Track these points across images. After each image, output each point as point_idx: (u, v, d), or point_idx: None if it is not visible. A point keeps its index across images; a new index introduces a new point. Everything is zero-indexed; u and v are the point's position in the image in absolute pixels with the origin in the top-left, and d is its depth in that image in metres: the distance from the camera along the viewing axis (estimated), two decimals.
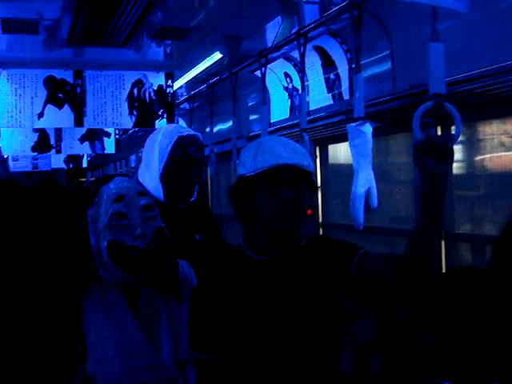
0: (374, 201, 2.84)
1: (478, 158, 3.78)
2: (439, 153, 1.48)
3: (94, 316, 1.67)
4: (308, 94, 4.83)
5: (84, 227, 1.67)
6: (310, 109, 4.74)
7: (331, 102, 4.84)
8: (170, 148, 2.49)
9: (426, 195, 1.56)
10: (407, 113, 3.78)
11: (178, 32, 5.16)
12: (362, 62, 3.22)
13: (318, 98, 4.90)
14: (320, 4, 4.33)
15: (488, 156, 3.77)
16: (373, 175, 2.85)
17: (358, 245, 1.80)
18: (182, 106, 7.50)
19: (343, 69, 4.67)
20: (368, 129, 2.82)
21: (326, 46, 4.71)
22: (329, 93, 4.89)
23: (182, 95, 7.39)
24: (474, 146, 3.75)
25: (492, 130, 3.67)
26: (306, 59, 4.15)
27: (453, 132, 2.27)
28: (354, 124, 2.86)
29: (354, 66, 4.40)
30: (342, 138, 4.21)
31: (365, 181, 2.78)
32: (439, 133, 3.65)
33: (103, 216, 1.65)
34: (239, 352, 1.64)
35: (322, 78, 4.93)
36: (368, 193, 2.81)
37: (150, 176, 2.51)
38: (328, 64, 4.81)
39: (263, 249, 1.73)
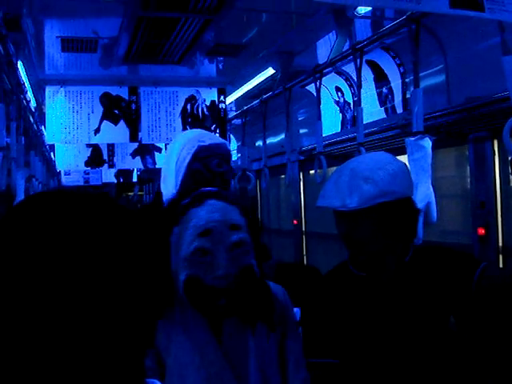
0: (434, 215, 2.84)
1: None
2: None
3: (173, 336, 1.54)
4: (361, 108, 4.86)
5: (167, 247, 1.54)
6: (364, 122, 4.77)
7: (384, 115, 4.85)
8: (187, 161, 2.13)
9: None
10: (463, 126, 3.79)
11: (231, 49, 5.24)
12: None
13: (371, 111, 4.92)
14: (373, 18, 4.37)
15: None
16: (432, 190, 2.85)
17: None
18: (233, 122, 7.60)
19: (396, 83, 4.68)
20: (427, 143, 2.83)
21: (379, 60, 4.74)
22: (381, 107, 4.91)
23: (233, 110, 7.49)
24: None
25: None
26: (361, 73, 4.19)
27: None
28: (412, 138, 2.87)
29: (407, 80, 4.43)
30: (396, 151, 4.22)
31: (424, 195, 2.78)
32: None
33: (186, 245, 1.50)
34: (351, 356, 1.72)
35: (374, 91, 4.95)
36: (427, 207, 2.81)
37: (166, 191, 2.17)
38: (381, 78, 4.84)
39: (364, 265, 1.80)
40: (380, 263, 1.77)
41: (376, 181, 1.72)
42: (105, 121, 6.16)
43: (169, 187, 2.14)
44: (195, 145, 2.14)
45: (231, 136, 8.15)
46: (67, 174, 11.39)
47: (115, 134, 6.20)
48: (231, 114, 7.34)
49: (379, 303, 1.73)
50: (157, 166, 9.78)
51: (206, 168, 2.13)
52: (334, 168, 6.08)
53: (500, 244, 3.91)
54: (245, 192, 7.69)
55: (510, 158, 1.51)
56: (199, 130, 2.31)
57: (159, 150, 9.52)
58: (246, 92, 6.57)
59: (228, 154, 2.23)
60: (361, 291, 1.78)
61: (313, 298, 1.87)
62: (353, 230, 1.75)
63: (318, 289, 1.84)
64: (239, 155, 8.15)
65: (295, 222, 7.12)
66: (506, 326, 1.71)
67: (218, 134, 6.35)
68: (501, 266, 3.92)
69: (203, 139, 2.17)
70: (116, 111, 6.17)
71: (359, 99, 3.90)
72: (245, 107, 6.54)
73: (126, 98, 6.20)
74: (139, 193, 18.08)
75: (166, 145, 9.31)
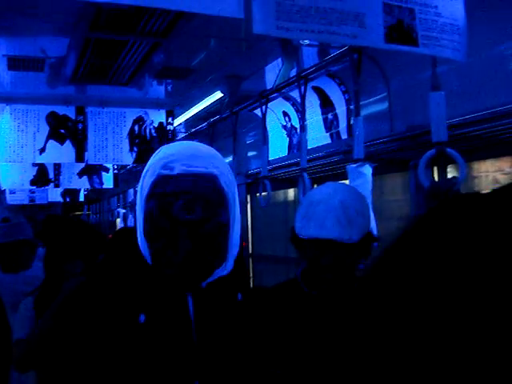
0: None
1: None
2: (446, 196, 1.58)
3: None
4: (307, 133, 4.94)
5: None
6: (309, 147, 4.85)
7: (329, 141, 4.94)
8: (144, 196, 1.42)
9: None
10: (405, 153, 3.89)
11: (179, 72, 5.27)
12: (360, 103, 3.33)
13: (317, 136, 5.01)
14: (319, 47, 4.46)
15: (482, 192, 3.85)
16: (373, 215, 2.92)
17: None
18: None
19: (341, 109, 4.78)
20: (368, 170, 2.90)
21: (325, 87, 4.84)
22: (327, 132, 5.00)
23: (182, 132, 7.50)
24: (468, 183, 3.85)
25: (486, 168, 3.77)
26: (306, 99, 4.27)
27: (456, 175, 2.36)
28: (354, 165, 2.94)
29: (352, 107, 4.53)
30: (340, 176, 4.30)
31: None
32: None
33: None
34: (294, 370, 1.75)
35: (320, 117, 5.04)
36: None
37: (137, 226, 1.49)
38: (326, 104, 4.93)
39: (315, 283, 1.89)
40: (339, 286, 1.88)
41: (364, 213, 1.92)
42: (50, 140, 6.09)
43: (138, 229, 1.49)
44: (155, 171, 1.39)
45: None
46: (12, 192, 11.21)
47: (61, 153, 6.13)
48: (179, 136, 7.35)
49: (330, 322, 1.78)
50: (104, 187, 9.71)
51: (162, 213, 1.36)
52: (281, 191, 6.12)
53: None
54: None
55: (455, 188, 1.58)
56: (183, 143, 1.50)
57: (107, 170, 9.46)
58: (194, 114, 6.59)
59: (213, 188, 1.39)
60: (311, 309, 1.83)
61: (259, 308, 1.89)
62: (338, 259, 1.88)
63: (264, 300, 1.87)
64: None
65: (243, 244, 7.13)
66: None
67: None
68: None
69: (171, 164, 1.38)
70: (62, 131, 6.11)
71: (304, 125, 3.97)
72: (193, 129, 6.56)
73: (73, 117, 6.15)
74: (87, 212, 17.87)
75: (113, 165, 9.30)
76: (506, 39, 3.06)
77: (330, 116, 4.93)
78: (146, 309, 1.40)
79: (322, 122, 5.04)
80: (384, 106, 4.19)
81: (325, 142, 4.95)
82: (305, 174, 3.66)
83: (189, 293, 1.46)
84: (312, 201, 1.92)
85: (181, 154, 1.41)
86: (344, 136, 4.72)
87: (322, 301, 1.87)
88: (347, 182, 3.08)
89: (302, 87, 3.84)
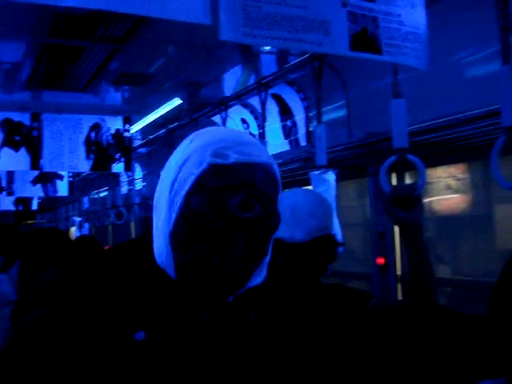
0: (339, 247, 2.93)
1: (426, 200, 3.94)
2: (407, 202, 1.60)
3: None
4: (266, 140, 4.96)
5: None
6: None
7: (288, 147, 4.98)
8: (185, 191, 1.17)
9: (407, 245, 1.68)
10: (363, 160, 3.94)
11: (138, 78, 5.24)
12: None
13: (276, 143, 5.03)
14: (278, 54, 4.49)
15: (435, 198, 3.94)
16: (337, 221, 2.95)
17: None
18: (139, 150, 7.56)
19: (300, 116, 4.82)
20: (331, 176, 2.93)
21: (284, 94, 4.87)
22: (286, 139, 5.03)
23: (139, 139, 7.44)
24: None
25: (439, 174, 3.85)
26: (265, 106, 4.29)
27: (417, 181, 2.40)
28: (317, 172, 2.97)
29: (311, 114, 4.57)
30: (300, 183, 4.32)
31: None
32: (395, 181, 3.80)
33: None
34: None
35: (279, 124, 5.07)
36: None
37: (156, 230, 1.25)
38: (285, 111, 4.96)
39: (284, 292, 1.91)
40: (301, 292, 1.89)
41: (317, 215, 1.91)
42: (5, 147, 5.98)
43: (159, 235, 1.22)
44: (204, 160, 1.16)
45: (136, 165, 8.09)
46: None
47: (15, 161, 6.02)
48: (137, 143, 7.30)
49: (294, 329, 1.79)
50: (58, 194, 9.57)
51: (217, 211, 1.14)
52: None
53: (398, 273, 4.07)
54: (149, 222, 7.62)
55: (415, 194, 1.61)
56: (220, 128, 1.34)
57: (61, 177, 9.31)
58: (152, 121, 6.55)
59: (270, 179, 1.19)
60: (276, 315, 1.83)
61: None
62: (293, 261, 1.89)
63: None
64: (144, 184, 8.10)
65: None
66: (394, 346, 1.81)
67: (122, 163, 6.30)
68: (399, 294, 4.07)
69: (224, 150, 1.17)
70: (17, 138, 6.00)
71: (263, 132, 3.99)
72: (151, 136, 6.52)
73: (28, 124, 6.04)
74: (41, 221, 17.57)
75: (68, 172, 9.17)
76: (463, 48, 3.14)
77: (288, 123, 4.96)
78: (147, 325, 1.18)
79: (280, 129, 5.07)
80: (343, 113, 4.24)
81: (284, 149, 4.98)
82: None
83: (206, 309, 1.24)
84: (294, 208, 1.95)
85: (231, 140, 1.19)
86: (303, 143, 4.76)
87: (287, 308, 1.88)
88: (309, 188, 3.10)
89: (263, 94, 3.86)
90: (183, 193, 1.17)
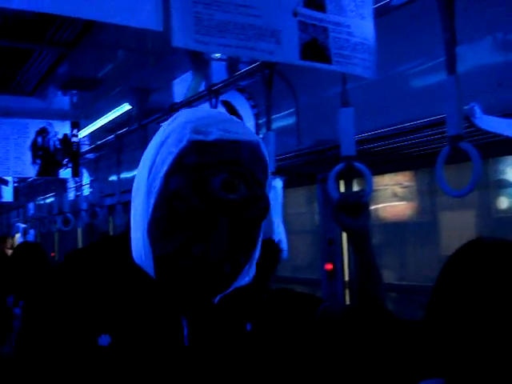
0: (284, 253, 2.96)
1: (373, 207, 4.01)
2: (354, 209, 1.63)
3: None
4: None
5: None
6: None
7: None
8: (163, 171, 1.08)
9: (354, 251, 1.71)
10: (311, 167, 3.99)
11: (86, 83, 5.19)
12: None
13: None
14: (229, 61, 4.51)
15: (382, 205, 4.02)
16: (283, 228, 2.98)
17: None
18: (87, 156, 7.46)
19: (250, 123, 4.84)
20: (279, 183, 2.96)
21: (234, 101, 4.88)
22: None
23: (87, 144, 7.35)
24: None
25: (386, 181, 3.93)
26: None
27: (364, 188, 2.45)
28: None
29: (260, 121, 4.59)
30: None
31: (276, 233, 2.90)
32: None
33: None
34: None
35: None
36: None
37: (134, 222, 1.13)
38: None
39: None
40: (246, 297, 1.88)
41: None
42: None
43: (137, 227, 1.11)
44: (184, 138, 1.07)
45: (84, 170, 7.99)
46: None
47: None
48: (85, 148, 7.21)
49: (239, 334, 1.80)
50: (3, 200, 9.36)
51: (198, 192, 1.04)
52: None
53: (346, 279, 4.13)
54: (95, 228, 7.56)
55: (363, 201, 1.64)
56: (204, 107, 1.17)
57: (5, 182, 9.11)
58: (100, 126, 6.49)
59: (257, 159, 1.09)
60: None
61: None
62: None
63: None
64: (91, 190, 8.01)
65: None
66: (341, 351, 1.84)
67: (70, 169, 6.21)
68: (347, 299, 4.12)
69: (205, 127, 1.08)
70: None
71: None
72: (99, 142, 6.46)
73: None
74: None
75: (13, 177, 8.98)
76: (411, 58, 3.21)
77: None
78: (114, 329, 1.04)
79: None
80: (292, 121, 4.28)
81: None
82: None
83: (186, 312, 1.09)
84: None
85: (214, 117, 1.09)
86: None
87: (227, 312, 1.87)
88: None
89: (213, 101, 3.87)
90: (161, 174, 1.06)
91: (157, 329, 1.07)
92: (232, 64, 4.45)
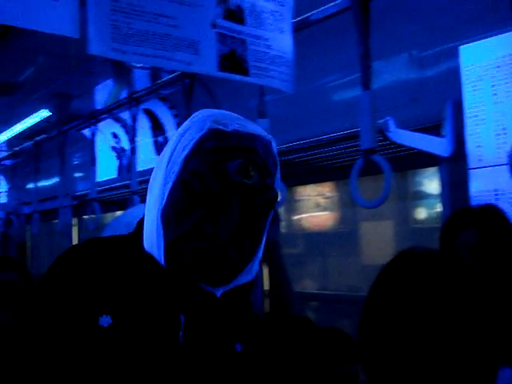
0: None
1: (296, 217, 4.06)
2: None
3: None
4: (137, 155, 4.92)
5: None
6: (139, 170, 4.84)
7: None
8: (183, 156, 1.15)
9: (264, 261, 1.73)
10: None
11: (5, 87, 5.04)
12: None
13: (147, 159, 5.00)
14: (151, 70, 4.48)
15: (304, 216, 4.07)
16: None
17: None
18: (3, 162, 7.25)
19: (172, 132, 4.82)
20: None
21: (156, 110, 4.85)
22: (157, 155, 5.00)
23: (4, 150, 7.14)
24: (291, 205, 4.04)
25: (308, 192, 3.99)
26: (136, 121, 4.26)
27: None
28: None
29: None
30: None
31: None
32: None
33: None
34: None
35: (150, 140, 5.05)
36: None
37: (148, 210, 1.19)
38: (157, 127, 4.95)
39: None
40: None
41: None
42: None
43: (150, 213, 1.17)
44: (205, 126, 1.16)
45: (0, 177, 7.75)
46: None
47: None
48: (2, 155, 7.00)
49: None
50: None
51: (215, 173, 1.12)
52: (110, 214, 6.01)
53: (266, 288, 4.15)
54: (9, 237, 7.34)
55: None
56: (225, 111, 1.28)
57: None
58: (18, 132, 6.31)
59: (269, 154, 1.19)
60: None
61: None
62: None
63: None
64: (8, 198, 7.79)
65: None
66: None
67: None
68: (266, 308, 4.15)
69: (224, 120, 1.17)
70: None
71: (134, 148, 3.96)
72: (16, 148, 6.29)
73: None
74: None
75: None
76: (328, 73, 3.28)
77: (160, 139, 4.95)
78: (116, 310, 1.10)
79: (152, 145, 5.04)
80: None
81: (155, 165, 4.95)
82: (135, 197, 3.65)
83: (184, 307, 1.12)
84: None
85: (232, 115, 1.21)
86: None
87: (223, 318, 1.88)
88: None
89: (134, 109, 3.83)
90: (181, 158, 1.14)
91: (155, 321, 1.12)
92: (154, 72, 4.42)
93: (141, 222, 1.22)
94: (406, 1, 2.61)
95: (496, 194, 2.63)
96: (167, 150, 1.20)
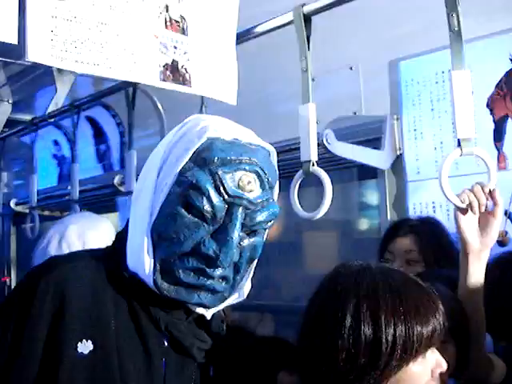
0: None
1: None
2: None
3: None
4: (79, 164, 4.85)
5: None
6: (81, 178, 4.77)
7: (101, 172, 4.90)
8: (177, 169, 1.07)
9: None
10: None
11: None
12: (133, 136, 3.35)
13: (89, 167, 4.93)
14: (94, 77, 4.43)
15: None
16: None
17: None
18: None
19: (114, 141, 4.77)
20: None
21: (99, 118, 4.80)
22: (99, 163, 4.95)
23: None
24: None
25: None
26: (78, 129, 4.20)
27: None
28: (125, 198, 2.96)
29: (125, 139, 4.54)
30: (112, 208, 4.27)
31: None
32: None
33: None
34: None
35: (93, 148, 4.99)
36: None
37: (134, 226, 1.10)
38: (99, 135, 4.89)
39: None
40: None
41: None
42: None
43: (136, 230, 1.07)
44: (202, 134, 1.07)
45: None
46: None
47: None
48: None
49: None
50: None
51: (214, 186, 1.05)
52: (50, 223, 5.91)
53: None
54: None
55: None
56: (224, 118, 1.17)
57: None
58: None
59: (272, 168, 1.15)
60: None
61: None
62: None
63: None
64: None
65: (4, 278, 6.74)
66: None
67: None
68: None
69: (223, 128, 1.10)
70: None
71: (75, 155, 3.91)
72: None
73: None
74: None
75: None
76: (271, 85, 3.30)
77: (102, 147, 4.90)
78: (96, 336, 0.99)
79: (94, 153, 4.98)
80: (158, 140, 4.25)
81: (97, 174, 4.89)
82: (76, 206, 3.59)
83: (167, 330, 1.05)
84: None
85: (229, 123, 1.12)
86: (117, 168, 4.71)
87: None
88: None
89: (75, 116, 3.78)
90: (176, 170, 1.04)
91: (138, 348, 1.03)
92: (97, 80, 4.38)
93: (120, 236, 1.12)
94: (348, 15, 2.65)
95: (433, 206, 2.70)
96: (155, 159, 1.10)
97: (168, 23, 1.90)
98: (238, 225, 1.02)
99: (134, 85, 2.97)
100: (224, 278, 1.05)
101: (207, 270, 1.02)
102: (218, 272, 1.03)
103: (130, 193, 2.99)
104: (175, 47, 1.92)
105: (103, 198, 4.49)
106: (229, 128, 1.09)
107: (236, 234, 1.02)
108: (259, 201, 1.06)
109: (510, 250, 2.17)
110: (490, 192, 1.50)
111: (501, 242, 2.34)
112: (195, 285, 1.03)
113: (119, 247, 1.09)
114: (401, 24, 2.76)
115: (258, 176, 1.06)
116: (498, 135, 2.54)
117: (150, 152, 3.96)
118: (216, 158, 1.03)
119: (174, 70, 1.89)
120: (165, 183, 1.04)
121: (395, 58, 2.86)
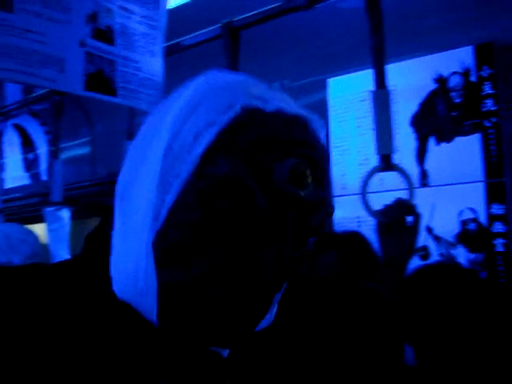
0: None
1: None
2: None
3: None
4: (5, 172, 4.74)
5: None
6: (6, 187, 4.66)
7: (29, 181, 4.80)
8: (199, 151, 0.66)
9: None
10: (106, 198, 3.94)
11: None
12: (62, 146, 3.30)
13: (16, 176, 4.83)
14: (23, 84, 4.34)
15: None
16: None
17: None
18: None
19: (43, 150, 4.68)
20: (66, 214, 2.88)
21: (26, 126, 4.71)
22: (26, 172, 4.84)
23: None
24: None
25: None
26: (4, 137, 4.11)
27: None
28: (51, 208, 2.91)
29: (53, 148, 4.47)
30: (39, 219, 4.18)
31: None
32: None
33: None
34: None
35: (20, 156, 4.88)
36: None
37: (124, 235, 0.68)
38: (27, 143, 4.79)
39: None
40: None
41: (28, 241, 2.24)
42: None
43: (130, 228, 0.68)
44: (235, 102, 0.68)
45: None
46: None
47: None
48: None
49: None
50: None
51: (258, 181, 0.66)
52: None
53: None
54: None
55: None
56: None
57: None
58: None
59: (325, 150, 0.75)
60: None
61: None
62: None
63: None
64: None
65: None
66: None
67: None
68: None
69: (262, 92, 0.71)
70: None
71: (1, 164, 3.82)
72: None
73: None
74: None
75: None
76: None
77: (30, 156, 4.80)
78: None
79: (21, 162, 4.88)
80: (87, 150, 4.21)
81: (24, 183, 4.79)
82: (0, 216, 3.51)
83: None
84: None
85: (265, 85, 0.74)
86: (44, 177, 4.62)
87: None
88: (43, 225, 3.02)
89: (2, 124, 3.70)
90: (196, 153, 0.66)
91: None
92: (27, 87, 4.29)
93: (93, 249, 0.74)
94: (278, 31, 2.69)
95: (358, 221, 2.76)
96: (158, 133, 0.69)
97: (95, 33, 1.89)
98: (288, 235, 0.67)
99: (63, 93, 2.93)
100: (252, 308, 0.64)
101: (236, 297, 0.65)
102: (245, 301, 0.66)
103: (56, 203, 2.95)
104: (101, 57, 1.91)
105: (32, 208, 4.40)
106: (269, 93, 0.71)
107: (286, 247, 0.67)
108: (314, 201, 0.68)
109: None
110: (410, 207, 1.54)
111: (422, 257, 2.41)
112: (216, 321, 0.65)
113: (95, 264, 0.72)
114: (330, 41, 2.81)
115: (313, 164, 0.69)
116: (421, 153, 2.62)
117: (79, 162, 3.93)
118: (257, 141, 0.67)
119: (99, 80, 1.88)
120: (179, 172, 0.66)
121: (324, 75, 2.91)
